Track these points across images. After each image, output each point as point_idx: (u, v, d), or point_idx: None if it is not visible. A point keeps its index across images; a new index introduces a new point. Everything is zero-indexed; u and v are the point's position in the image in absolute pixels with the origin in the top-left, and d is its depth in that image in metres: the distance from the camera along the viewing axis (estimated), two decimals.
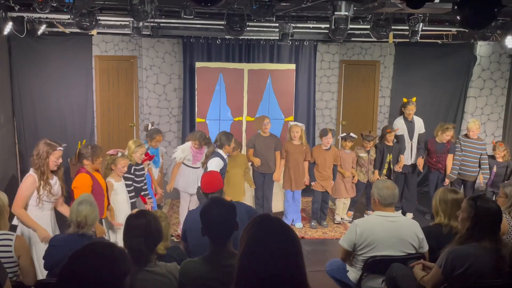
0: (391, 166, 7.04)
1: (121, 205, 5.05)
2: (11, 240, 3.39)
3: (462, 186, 7.03)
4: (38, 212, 4.24)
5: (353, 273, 3.88)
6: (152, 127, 6.48)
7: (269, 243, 1.79)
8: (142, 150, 5.46)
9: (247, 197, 6.86)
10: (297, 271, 1.80)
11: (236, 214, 2.74)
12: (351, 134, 6.87)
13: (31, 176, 4.20)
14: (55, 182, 4.33)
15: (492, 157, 6.78)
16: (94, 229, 3.63)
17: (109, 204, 4.89)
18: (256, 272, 1.76)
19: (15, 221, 4.29)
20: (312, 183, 6.75)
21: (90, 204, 3.50)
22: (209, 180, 3.68)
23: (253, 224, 1.88)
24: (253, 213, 3.50)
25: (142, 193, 5.54)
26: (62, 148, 4.34)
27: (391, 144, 7.00)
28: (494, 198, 5.96)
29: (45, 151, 4.19)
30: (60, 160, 4.32)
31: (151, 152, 6.10)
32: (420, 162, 7.12)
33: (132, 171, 5.36)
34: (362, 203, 7.38)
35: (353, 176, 6.91)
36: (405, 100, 7.20)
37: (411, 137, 7.16)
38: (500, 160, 6.69)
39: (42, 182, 4.18)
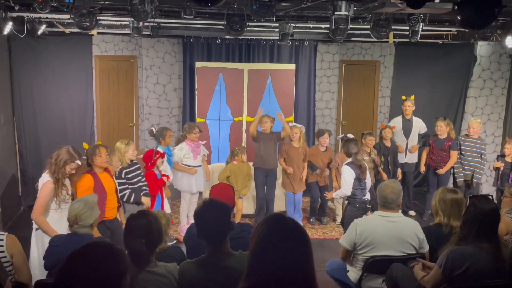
0: (389, 167, 6.98)
1: None
2: (2, 240, 3.39)
3: (465, 186, 7.02)
4: (57, 215, 4.26)
5: (353, 273, 3.89)
6: (157, 128, 6.41)
7: (281, 241, 1.81)
8: (132, 147, 5.40)
9: (249, 199, 6.87)
10: (307, 271, 1.82)
11: (229, 214, 2.74)
12: (348, 134, 6.82)
13: (49, 182, 4.21)
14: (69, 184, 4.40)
15: (503, 156, 6.67)
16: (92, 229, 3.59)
17: (120, 205, 4.92)
18: (266, 269, 1.78)
19: (35, 225, 4.31)
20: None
21: (85, 204, 3.46)
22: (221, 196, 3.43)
23: (266, 222, 1.90)
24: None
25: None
26: (79, 163, 4.36)
27: (388, 143, 6.96)
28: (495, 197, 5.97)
29: (64, 159, 4.21)
30: (74, 172, 4.35)
31: (163, 150, 6.02)
32: (414, 148, 7.17)
33: (123, 176, 5.28)
34: None
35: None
36: (403, 97, 7.24)
37: (407, 136, 7.18)
38: (509, 160, 6.57)
39: (58, 187, 4.21)
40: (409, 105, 7.15)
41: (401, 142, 7.16)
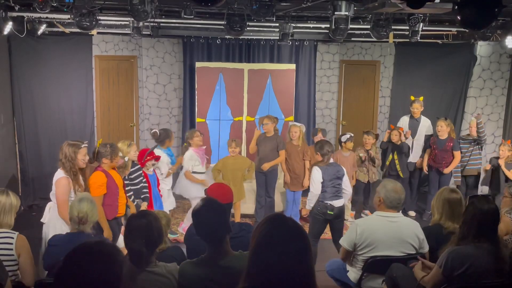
0: (396, 166, 6.94)
1: None
2: (13, 238, 3.44)
3: (465, 184, 7.04)
4: None
5: (353, 273, 3.89)
6: (160, 130, 6.34)
7: (281, 241, 1.81)
8: (134, 148, 5.41)
9: (249, 199, 6.86)
10: (306, 271, 1.82)
11: (227, 215, 2.72)
12: (347, 134, 6.83)
13: (64, 178, 4.28)
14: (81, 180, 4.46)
15: (497, 158, 6.65)
16: (93, 228, 3.65)
17: (128, 200, 4.98)
18: (266, 268, 1.78)
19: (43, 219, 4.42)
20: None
21: (90, 202, 3.59)
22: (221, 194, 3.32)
23: (266, 221, 1.90)
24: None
25: (142, 196, 5.46)
26: (86, 145, 4.44)
27: (398, 143, 6.88)
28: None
29: (72, 151, 4.29)
30: (87, 157, 4.43)
31: (166, 152, 6.04)
32: (419, 163, 7.15)
33: (126, 177, 5.28)
34: (360, 202, 7.41)
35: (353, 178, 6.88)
36: (412, 98, 7.22)
37: (413, 135, 7.15)
38: (501, 163, 6.52)
39: (75, 182, 4.30)
40: (418, 107, 7.11)
41: (407, 141, 7.13)
